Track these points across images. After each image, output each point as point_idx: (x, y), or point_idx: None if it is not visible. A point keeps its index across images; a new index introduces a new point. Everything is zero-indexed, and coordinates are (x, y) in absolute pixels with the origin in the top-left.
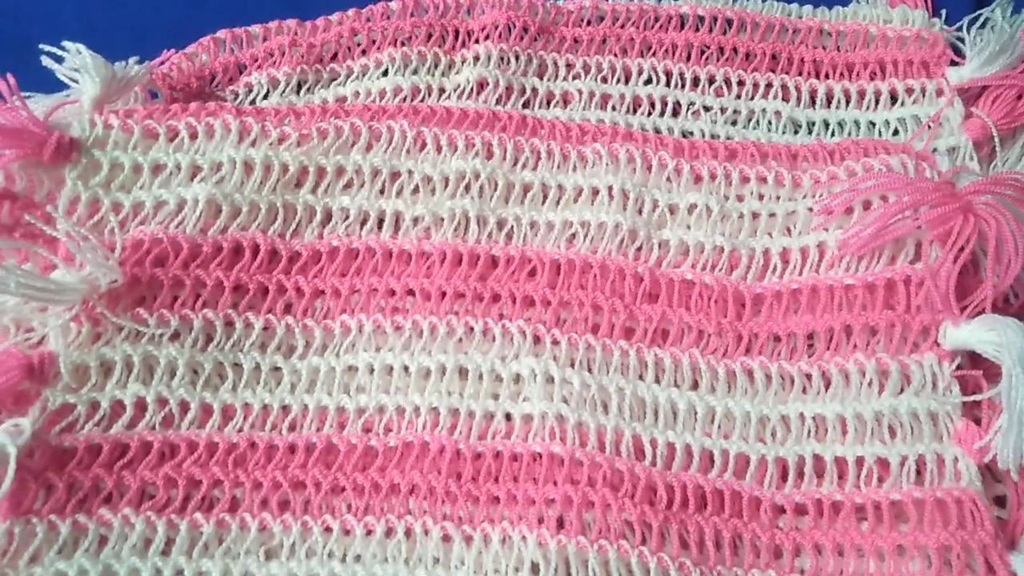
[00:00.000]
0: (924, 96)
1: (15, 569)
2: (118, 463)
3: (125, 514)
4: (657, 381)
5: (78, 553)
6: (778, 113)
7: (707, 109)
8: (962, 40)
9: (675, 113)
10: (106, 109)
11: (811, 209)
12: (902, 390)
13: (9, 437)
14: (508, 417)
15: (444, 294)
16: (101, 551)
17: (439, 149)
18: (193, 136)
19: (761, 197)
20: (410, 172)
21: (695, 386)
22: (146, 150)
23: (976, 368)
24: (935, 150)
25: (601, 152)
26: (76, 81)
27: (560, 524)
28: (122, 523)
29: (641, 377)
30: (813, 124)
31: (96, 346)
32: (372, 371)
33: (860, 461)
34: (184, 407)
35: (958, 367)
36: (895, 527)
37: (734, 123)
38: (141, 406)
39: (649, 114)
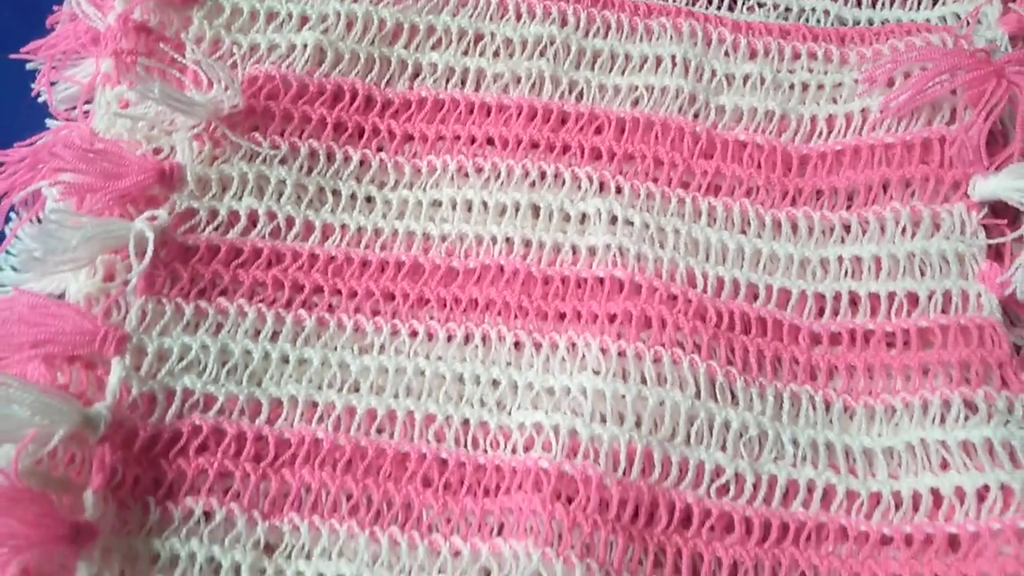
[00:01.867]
0: None
1: (149, 338)
2: (233, 263)
3: (240, 304)
4: (710, 225)
5: (200, 332)
6: (827, 12)
7: (760, 5)
8: None
9: (731, 8)
10: None
11: (856, 80)
12: (933, 235)
13: (148, 224)
14: (574, 250)
15: (520, 142)
16: (219, 333)
17: (519, 16)
18: None
19: (811, 70)
20: (492, 35)
21: (744, 231)
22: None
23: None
24: None
25: (666, 25)
26: None
27: (619, 336)
28: (237, 311)
29: (695, 221)
30: (859, 22)
31: (216, 163)
32: (455, 206)
33: (892, 296)
34: (290, 222)
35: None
36: (921, 350)
37: (785, 19)
38: (253, 218)
39: (707, 8)
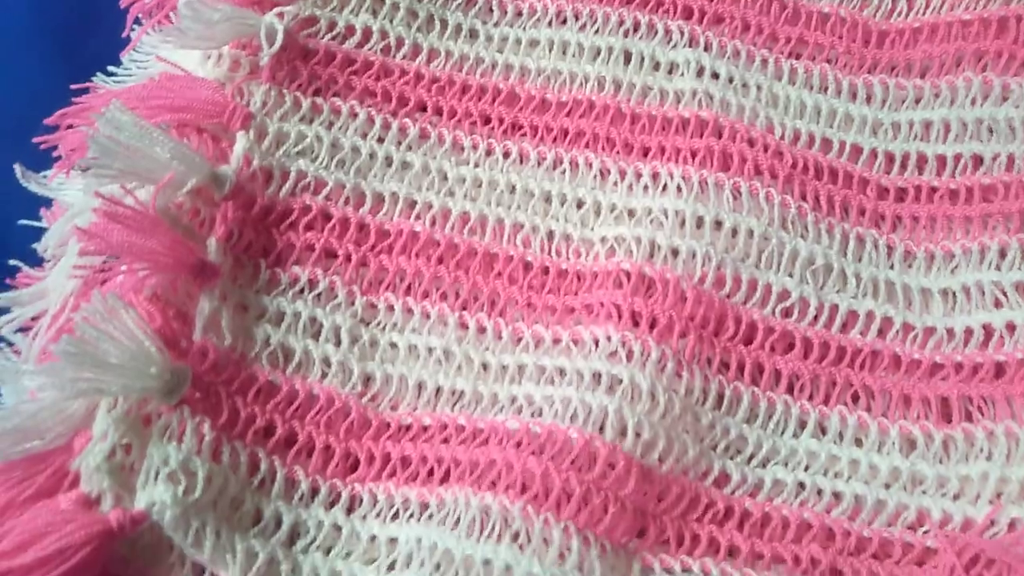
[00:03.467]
0: None
1: (271, 120)
2: (347, 69)
3: (352, 104)
4: (791, 84)
5: (314, 124)
6: None
7: None
8: None
9: None
10: None
11: None
12: (1001, 104)
13: (277, 19)
14: (662, 94)
15: None
16: (331, 128)
17: None
18: None
19: None
20: None
21: (822, 92)
22: None
23: None
24: None
25: None
26: None
27: (701, 168)
28: (349, 111)
29: (777, 79)
30: None
31: None
32: (551, 46)
33: (958, 157)
34: (400, 42)
35: None
36: (983, 203)
37: None
38: (367, 34)
39: None
